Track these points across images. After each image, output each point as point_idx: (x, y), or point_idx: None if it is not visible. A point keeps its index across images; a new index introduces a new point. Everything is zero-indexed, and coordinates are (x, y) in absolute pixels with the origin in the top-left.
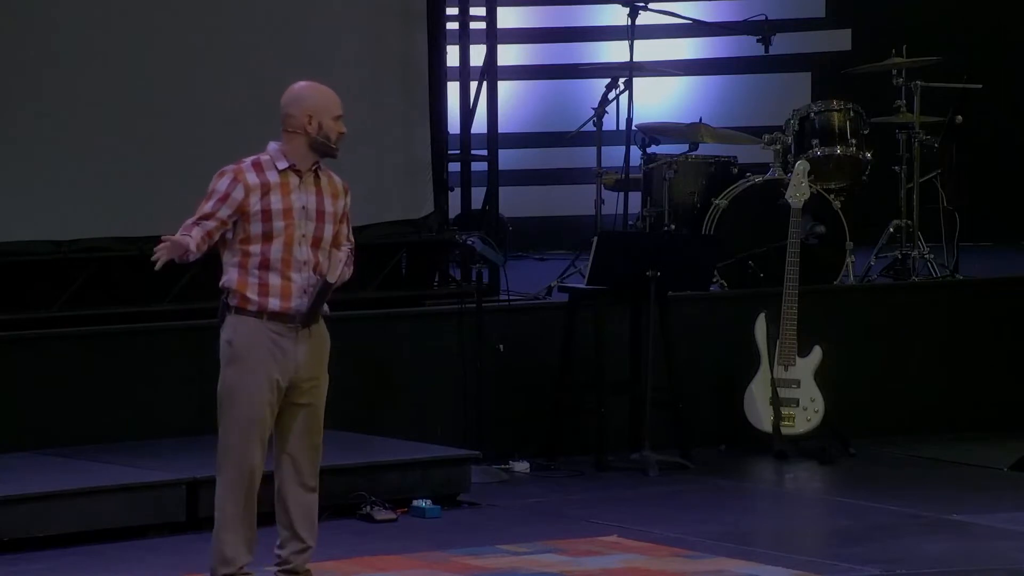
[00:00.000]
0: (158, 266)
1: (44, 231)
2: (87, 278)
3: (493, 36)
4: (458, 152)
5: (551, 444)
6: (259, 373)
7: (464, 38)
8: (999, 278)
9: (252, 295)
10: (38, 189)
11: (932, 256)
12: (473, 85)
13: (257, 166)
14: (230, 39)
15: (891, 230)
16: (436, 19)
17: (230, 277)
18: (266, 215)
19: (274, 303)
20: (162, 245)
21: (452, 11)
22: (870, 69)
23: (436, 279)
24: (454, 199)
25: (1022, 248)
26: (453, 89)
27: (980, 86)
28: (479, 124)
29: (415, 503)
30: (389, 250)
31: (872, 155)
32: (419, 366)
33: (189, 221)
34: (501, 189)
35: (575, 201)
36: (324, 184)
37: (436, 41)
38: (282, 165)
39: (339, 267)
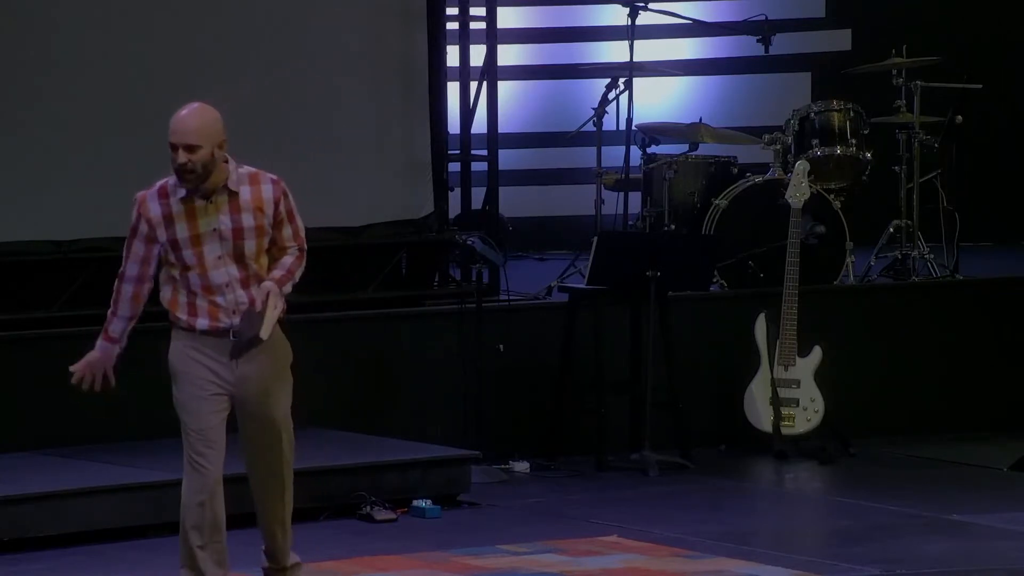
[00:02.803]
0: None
1: (44, 231)
2: (87, 278)
3: (493, 36)
4: (458, 152)
5: (551, 444)
6: (197, 386)
7: (464, 38)
8: (999, 278)
9: (182, 315)
10: (38, 189)
11: (932, 256)
12: (473, 85)
13: (163, 192)
14: (230, 39)
15: (891, 230)
16: (436, 19)
17: (163, 295)
18: (174, 245)
19: (202, 323)
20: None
21: (452, 11)
22: (870, 69)
23: (436, 279)
24: (454, 199)
25: (1022, 248)
26: (453, 89)
27: (980, 86)
28: (479, 124)
29: (415, 503)
30: (389, 250)
31: (872, 155)
32: (419, 366)
33: (120, 270)
34: (501, 189)
35: (575, 201)
36: (243, 200)
37: (436, 41)
38: (181, 193)
39: (272, 321)
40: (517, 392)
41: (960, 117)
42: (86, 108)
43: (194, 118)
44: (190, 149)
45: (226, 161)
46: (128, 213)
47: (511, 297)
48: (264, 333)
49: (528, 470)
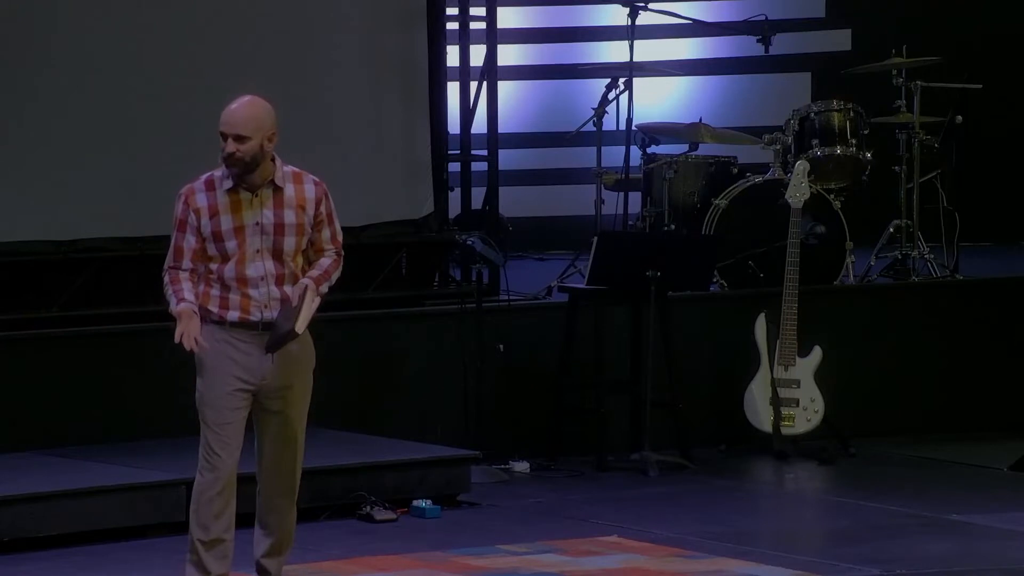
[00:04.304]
0: (196, 349)
1: (44, 231)
2: (87, 278)
3: (493, 36)
4: (458, 152)
5: (551, 444)
6: (222, 381)
7: (464, 38)
8: (999, 278)
9: (213, 307)
10: (38, 189)
11: (932, 256)
12: (473, 85)
13: (209, 184)
14: (231, 39)
15: (891, 230)
16: (436, 19)
17: (199, 288)
18: (217, 236)
19: (233, 315)
20: (181, 332)
21: (452, 11)
22: (870, 69)
23: (436, 279)
24: (454, 199)
25: (1022, 248)
26: (453, 89)
27: (980, 86)
28: (479, 124)
29: (415, 503)
30: (389, 250)
31: (872, 155)
32: (419, 366)
33: (169, 263)
34: (501, 189)
35: (575, 201)
36: (287, 196)
37: (436, 41)
38: (228, 185)
39: (310, 315)
40: (517, 392)
41: (960, 117)
42: (86, 108)
43: (245, 109)
44: (239, 139)
45: (273, 159)
46: (129, 212)
47: (511, 297)
48: (300, 327)
49: (528, 470)
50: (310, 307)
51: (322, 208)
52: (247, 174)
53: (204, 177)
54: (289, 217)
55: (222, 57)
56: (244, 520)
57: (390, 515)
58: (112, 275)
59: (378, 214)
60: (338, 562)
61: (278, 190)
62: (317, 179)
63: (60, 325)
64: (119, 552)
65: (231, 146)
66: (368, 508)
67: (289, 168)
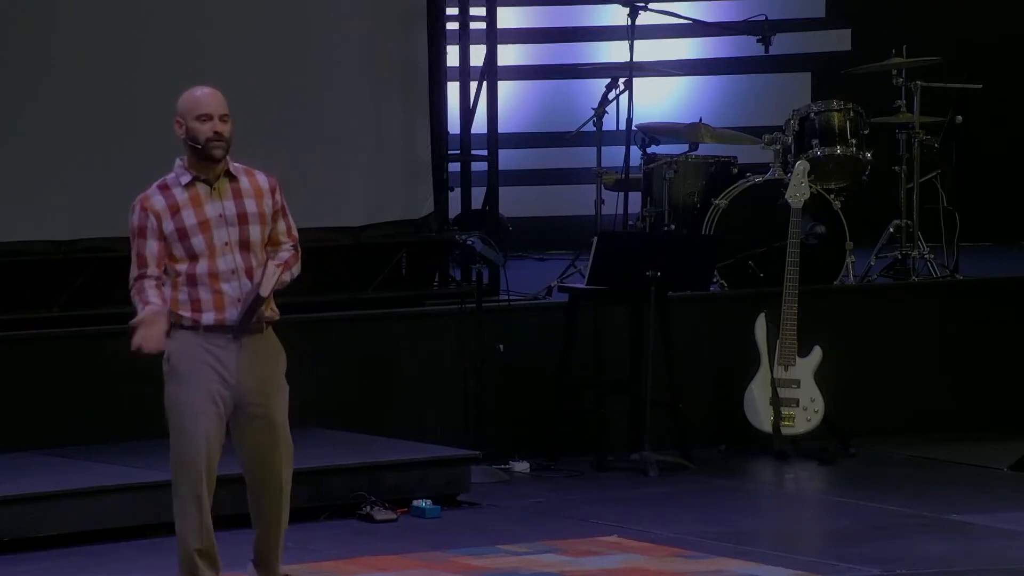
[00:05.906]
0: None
1: (44, 231)
2: (87, 278)
3: (493, 36)
4: (458, 152)
5: (551, 444)
6: (198, 386)
7: (464, 38)
8: (999, 278)
9: (185, 312)
10: (38, 189)
11: (932, 256)
12: (473, 85)
13: (163, 188)
14: (229, 39)
15: (891, 230)
16: (436, 19)
17: (166, 294)
18: (182, 233)
19: (207, 317)
20: (142, 336)
21: (452, 11)
22: (870, 69)
23: (436, 279)
24: (454, 199)
25: (1022, 248)
26: (453, 89)
27: (980, 86)
28: (479, 124)
29: (415, 503)
30: (389, 250)
31: (872, 155)
32: (419, 366)
33: (134, 273)
34: (501, 189)
35: (575, 201)
36: (244, 186)
37: (436, 41)
38: (185, 179)
39: (273, 279)
40: (517, 392)
41: (960, 117)
42: (86, 108)
43: (218, 93)
44: (224, 119)
45: None
46: (127, 212)
47: (511, 297)
48: (264, 291)
49: (528, 470)
50: (272, 278)
51: (277, 197)
52: (225, 155)
53: (156, 184)
54: (251, 206)
55: (222, 57)
56: (239, 521)
57: (390, 515)
58: (112, 275)
59: (378, 214)
60: (338, 562)
61: (234, 180)
62: (267, 172)
63: (60, 325)
64: (119, 552)
65: (218, 125)
66: (368, 508)
67: (238, 164)
